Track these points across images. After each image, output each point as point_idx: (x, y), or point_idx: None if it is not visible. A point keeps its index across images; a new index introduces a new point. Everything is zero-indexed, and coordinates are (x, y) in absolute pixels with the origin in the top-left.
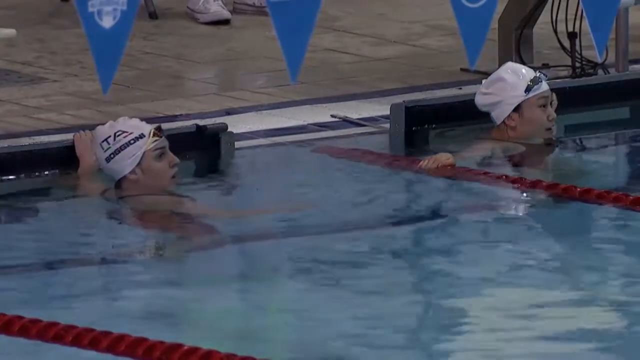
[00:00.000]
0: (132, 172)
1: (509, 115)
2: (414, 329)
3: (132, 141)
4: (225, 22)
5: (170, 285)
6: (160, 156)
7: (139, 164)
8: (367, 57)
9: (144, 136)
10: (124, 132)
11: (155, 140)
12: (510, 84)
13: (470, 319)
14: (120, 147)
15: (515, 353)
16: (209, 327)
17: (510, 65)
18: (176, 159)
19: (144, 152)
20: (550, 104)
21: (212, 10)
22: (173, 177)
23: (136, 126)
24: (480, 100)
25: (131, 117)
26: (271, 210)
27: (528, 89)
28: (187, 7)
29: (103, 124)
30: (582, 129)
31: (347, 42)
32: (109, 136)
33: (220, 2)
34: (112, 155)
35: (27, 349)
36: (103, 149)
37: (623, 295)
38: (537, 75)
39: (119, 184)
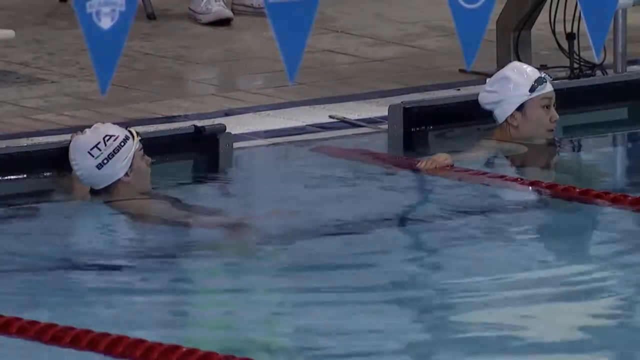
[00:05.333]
0: (126, 174)
1: (512, 114)
2: (413, 328)
3: (122, 143)
4: (227, 21)
5: (169, 286)
6: (143, 156)
7: (130, 165)
8: (365, 58)
9: (129, 137)
10: (111, 135)
11: (140, 140)
12: (515, 83)
13: (469, 319)
14: (114, 150)
15: (514, 352)
16: (207, 329)
17: (515, 64)
18: (150, 158)
19: (134, 153)
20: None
21: (214, 10)
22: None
23: (118, 129)
24: (483, 98)
25: (114, 122)
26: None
27: (532, 89)
28: (189, 8)
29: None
30: (581, 129)
31: (345, 43)
32: (98, 142)
33: (221, 2)
34: (105, 161)
35: (25, 350)
36: (93, 156)
37: (622, 295)
38: (542, 75)
39: (106, 189)
